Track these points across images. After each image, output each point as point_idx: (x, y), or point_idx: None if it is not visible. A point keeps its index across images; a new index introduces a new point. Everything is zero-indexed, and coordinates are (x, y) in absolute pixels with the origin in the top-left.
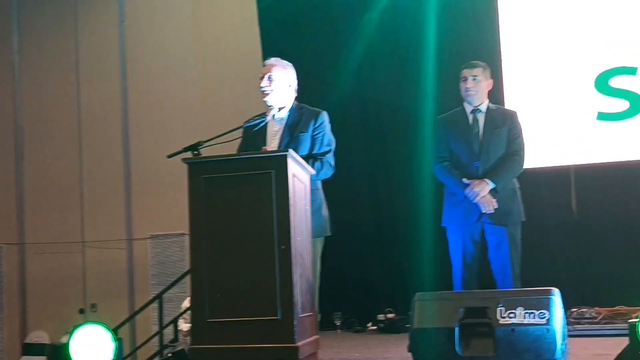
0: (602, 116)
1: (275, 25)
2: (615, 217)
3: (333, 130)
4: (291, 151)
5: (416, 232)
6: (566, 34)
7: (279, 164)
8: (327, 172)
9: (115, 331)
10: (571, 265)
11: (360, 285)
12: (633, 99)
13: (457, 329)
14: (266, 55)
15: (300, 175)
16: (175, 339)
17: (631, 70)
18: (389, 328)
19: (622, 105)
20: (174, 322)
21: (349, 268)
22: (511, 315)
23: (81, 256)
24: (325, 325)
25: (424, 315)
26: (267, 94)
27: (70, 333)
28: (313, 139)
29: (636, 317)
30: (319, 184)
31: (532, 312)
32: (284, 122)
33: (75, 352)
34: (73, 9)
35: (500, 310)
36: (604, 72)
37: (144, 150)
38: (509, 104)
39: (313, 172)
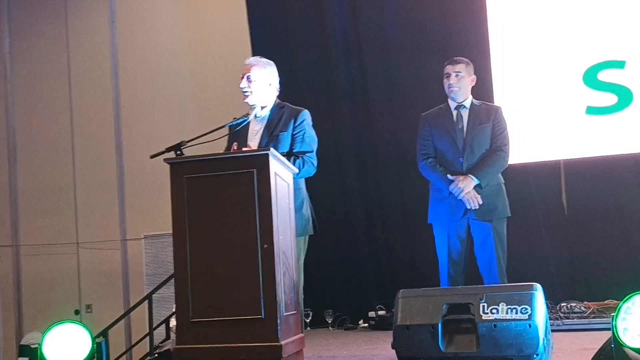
0: (591, 110)
1: (265, 23)
2: (605, 211)
3: (322, 126)
4: (273, 150)
5: (406, 229)
6: (554, 28)
7: (261, 163)
8: (309, 171)
9: (105, 332)
10: (561, 259)
11: (351, 283)
12: (621, 93)
13: (440, 325)
14: (255, 53)
15: (282, 174)
16: (167, 339)
17: (619, 64)
18: (380, 325)
19: (611, 99)
20: (166, 321)
21: (340, 266)
22: (494, 311)
23: (76, 257)
24: (316, 322)
25: (407, 311)
26: (247, 95)
27: (43, 334)
28: (293, 138)
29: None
30: (302, 183)
31: (514, 308)
32: (264, 121)
33: (49, 352)
34: (64, 9)
35: (483, 306)
36: (592, 66)
37: (137, 151)
38: (497, 99)
39: (296, 170)
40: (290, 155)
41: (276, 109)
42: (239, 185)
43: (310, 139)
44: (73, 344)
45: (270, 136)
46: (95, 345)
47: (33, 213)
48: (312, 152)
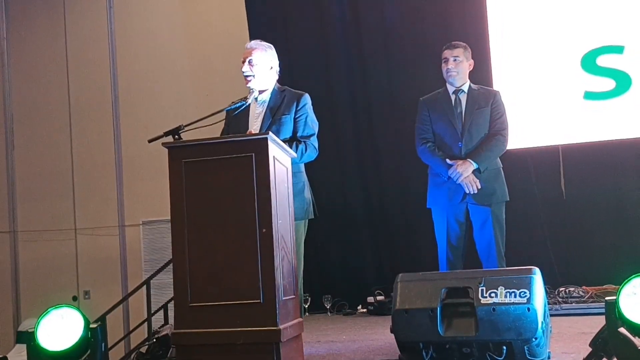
0: (589, 95)
1: (262, 8)
2: (603, 196)
3: (321, 113)
4: (271, 134)
5: (405, 214)
6: (553, 13)
7: (259, 147)
8: (311, 155)
9: (103, 317)
10: (560, 244)
11: (349, 268)
12: (620, 78)
13: (439, 309)
14: (253, 37)
15: (281, 158)
16: (165, 324)
17: (618, 49)
18: (378, 310)
19: (609, 84)
20: (164, 307)
21: (339, 251)
22: (492, 294)
23: (73, 243)
24: (315, 308)
25: (406, 296)
26: (249, 79)
27: (39, 318)
28: (296, 121)
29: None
30: (302, 167)
31: (513, 291)
32: (266, 104)
33: (43, 337)
34: None
35: (482, 290)
36: (590, 51)
37: (135, 136)
38: (496, 84)
39: (294, 155)
40: (293, 140)
41: (277, 92)
42: (237, 170)
43: (312, 122)
44: (68, 328)
45: (273, 119)
46: (88, 330)
47: (31, 199)
48: (314, 134)
